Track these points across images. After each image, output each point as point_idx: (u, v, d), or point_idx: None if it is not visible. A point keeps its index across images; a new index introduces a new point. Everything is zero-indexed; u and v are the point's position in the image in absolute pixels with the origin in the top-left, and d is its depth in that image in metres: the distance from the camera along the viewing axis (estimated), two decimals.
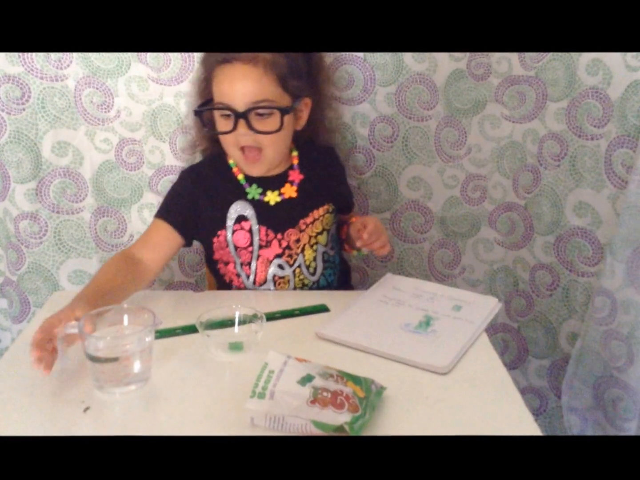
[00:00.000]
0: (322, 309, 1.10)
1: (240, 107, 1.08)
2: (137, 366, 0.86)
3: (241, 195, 1.19)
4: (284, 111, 1.10)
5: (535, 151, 1.36)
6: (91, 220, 1.43)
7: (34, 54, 1.27)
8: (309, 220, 1.20)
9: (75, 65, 1.30)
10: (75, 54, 1.29)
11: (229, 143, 1.13)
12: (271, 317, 1.04)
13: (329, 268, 1.25)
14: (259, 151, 1.13)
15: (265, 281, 1.21)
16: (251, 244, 1.19)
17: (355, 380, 0.81)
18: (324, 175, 1.24)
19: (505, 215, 1.47)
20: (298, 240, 1.20)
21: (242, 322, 0.99)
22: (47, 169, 1.38)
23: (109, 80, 1.32)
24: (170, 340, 0.99)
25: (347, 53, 1.34)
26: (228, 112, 1.09)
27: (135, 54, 1.30)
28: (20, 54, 1.27)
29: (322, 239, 1.22)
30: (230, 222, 1.18)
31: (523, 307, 1.49)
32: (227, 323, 0.99)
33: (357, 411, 0.76)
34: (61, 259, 1.45)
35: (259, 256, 1.19)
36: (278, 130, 1.10)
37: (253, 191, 1.19)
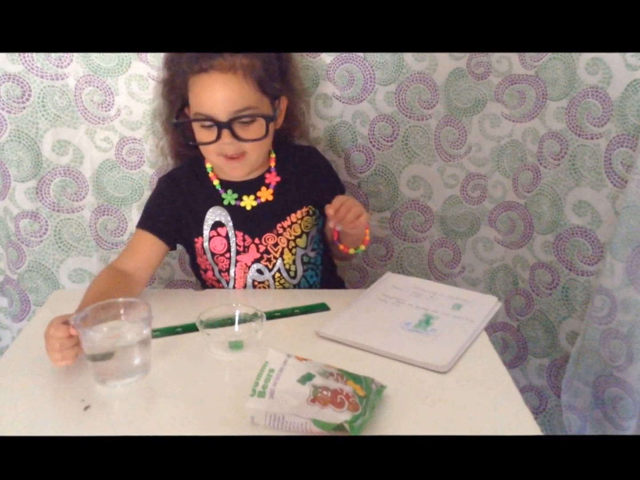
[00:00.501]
0: (322, 307, 1.10)
1: (223, 117, 1.06)
2: (136, 358, 0.87)
3: (217, 200, 1.18)
4: (269, 119, 1.09)
5: (535, 150, 1.36)
6: (91, 219, 1.43)
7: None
8: (286, 223, 1.19)
9: (75, 64, 1.30)
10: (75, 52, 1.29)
11: (211, 152, 1.12)
12: (271, 316, 1.04)
13: (310, 270, 1.24)
14: (242, 154, 1.11)
15: (244, 287, 1.20)
16: (228, 250, 1.18)
17: (356, 379, 0.82)
18: (303, 176, 1.22)
19: (505, 214, 1.47)
20: (276, 245, 1.19)
21: (242, 320, 0.99)
22: (48, 167, 1.38)
23: (110, 79, 1.32)
24: (171, 338, 0.99)
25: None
26: (209, 123, 1.07)
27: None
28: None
29: (301, 242, 1.21)
30: (206, 230, 1.18)
31: (523, 306, 1.49)
32: (227, 322, 0.99)
33: (357, 410, 0.76)
34: (61, 257, 1.45)
35: (237, 262, 1.19)
36: (264, 138, 1.10)
37: (229, 197, 1.18)
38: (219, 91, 1.06)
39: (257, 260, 1.19)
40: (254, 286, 1.20)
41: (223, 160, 1.12)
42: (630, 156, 1.18)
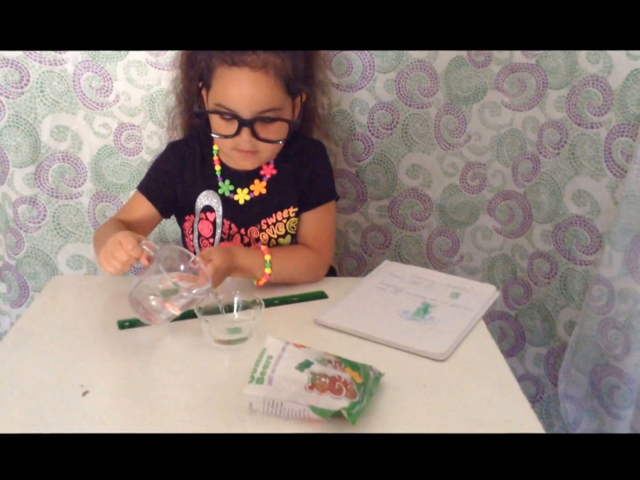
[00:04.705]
0: (321, 295, 1.10)
1: (246, 114, 1.04)
2: (172, 309, 0.95)
3: (212, 186, 1.18)
4: (292, 124, 1.08)
5: (535, 139, 1.36)
6: (90, 205, 1.43)
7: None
8: (270, 220, 1.17)
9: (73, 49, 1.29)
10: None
11: (225, 143, 1.10)
12: (270, 303, 1.04)
13: None
14: (256, 151, 1.09)
15: None
16: (213, 236, 1.18)
17: (354, 366, 0.82)
18: (297, 173, 1.18)
19: (504, 204, 1.47)
20: (258, 240, 1.18)
21: (241, 307, 0.99)
22: (46, 153, 1.37)
23: (108, 65, 1.31)
24: (169, 325, 0.99)
25: None
26: (230, 116, 1.05)
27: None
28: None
29: (285, 242, 1.19)
30: (198, 210, 1.18)
31: (521, 295, 1.49)
32: (226, 308, 0.99)
33: (355, 397, 0.77)
34: (60, 243, 1.45)
35: None
36: (283, 141, 1.09)
37: (225, 187, 1.17)
38: (248, 89, 1.03)
39: None
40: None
41: (235, 152, 1.10)
42: (630, 146, 1.18)
